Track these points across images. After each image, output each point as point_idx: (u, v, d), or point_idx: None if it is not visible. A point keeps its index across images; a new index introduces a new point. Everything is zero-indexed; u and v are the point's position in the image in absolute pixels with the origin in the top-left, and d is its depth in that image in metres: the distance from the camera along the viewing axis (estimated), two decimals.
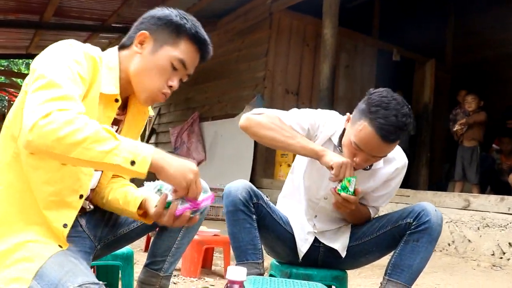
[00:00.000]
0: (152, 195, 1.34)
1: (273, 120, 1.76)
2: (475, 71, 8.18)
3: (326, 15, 5.48)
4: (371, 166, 1.82)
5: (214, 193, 1.30)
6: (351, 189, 1.68)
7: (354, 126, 1.69)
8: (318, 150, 1.71)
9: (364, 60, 7.64)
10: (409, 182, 7.24)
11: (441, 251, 4.27)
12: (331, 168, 1.68)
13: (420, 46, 7.86)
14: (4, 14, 7.18)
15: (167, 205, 1.23)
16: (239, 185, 1.78)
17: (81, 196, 1.30)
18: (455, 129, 5.82)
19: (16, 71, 16.65)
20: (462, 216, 4.25)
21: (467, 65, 8.41)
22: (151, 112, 1.53)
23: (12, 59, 15.85)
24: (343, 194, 1.69)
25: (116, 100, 1.32)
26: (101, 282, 1.13)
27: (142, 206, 1.37)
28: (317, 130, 1.83)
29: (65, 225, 1.26)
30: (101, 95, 1.27)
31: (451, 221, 4.29)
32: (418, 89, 7.91)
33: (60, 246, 1.24)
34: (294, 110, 1.88)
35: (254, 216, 1.77)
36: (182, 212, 1.22)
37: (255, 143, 6.58)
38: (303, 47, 7.14)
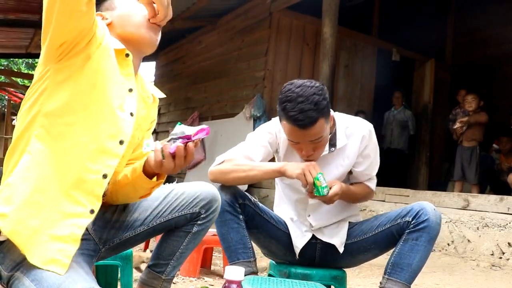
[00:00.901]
0: (151, 154, 1.34)
1: (232, 162, 1.82)
2: (475, 70, 8.18)
3: (326, 14, 5.48)
4: (334, 146, 1.86)
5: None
6: (324, 184, 1.70)
7: (282, 127, 1.77)
8: (278, 169, 1.76)
9: (363, 59, 7.64)
10: (409, 181, 7.25)
11: (440, 251, 4.27)
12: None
13: (420, 44, 7.87)
14: (4, 13, 7.18)
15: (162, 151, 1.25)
16: (224, 187, 1.81)
17: (121, 142, 1.28)
18: (455, 127, 5.81)
19: (16, 70, 16.65)
20: (462, 216, 4.25)
21: (467, 63, 8.41)
22: (162, 95, 1.53)
23: (12, 59, 15.86)
24: (318, 197, 1.72)
25: (127, 55, 1.34)
26: None
27: (146, 168, 1.36)
28: (277, 139, 1.90)
29: (104, 176, 1.25)
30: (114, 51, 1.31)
31: (450, 221, 4.29)
32: (418, 88, 7.91)
33: (92, 212, 1.23)
34: (250, 135, 1.94)
35: (241, 216, 1.80)
36: (175, 149, 1.23)
37: None
38: (303, 47, 7.14)
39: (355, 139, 1.87)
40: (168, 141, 1.25)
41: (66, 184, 1.20)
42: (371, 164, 1.92)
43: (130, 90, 1.33)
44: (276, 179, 2.01)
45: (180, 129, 1.26)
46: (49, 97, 1.21)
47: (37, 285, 1.12)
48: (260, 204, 1.90)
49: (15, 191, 1.17)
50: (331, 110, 1.77)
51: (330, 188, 1.73)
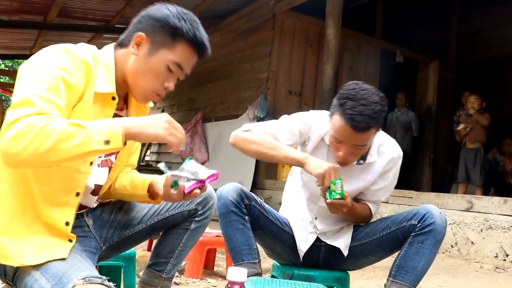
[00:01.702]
0: (157, 178, 1.42)
1: (258, 134, 1.80)
2: (479, 71, 8.16)
3: (329, 15, 5.48)
4: (364, 159, 1.84)
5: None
6: (338, 191, 1.68)
7: (331, 121, 1.74)
8: (300, 159, 1.73)
9: (367, 60, 7.62)
10: (412, 183, 7.23)
11: (444, 253, 4.26)
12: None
13: (424, 45, 7.85)
14: (8, 14, 7.21)
15: (173, 184, 1.32)
16: (230, 187, 1.80)
17: (77, 194, 1.31)
18: (459, 128, 5.80)
19: None
20: (465, 218, 4.23)
21: (471, 64, 8.39)
22: (150, 104, 1.53)
23: (16, 60, 15.91)
24: (328, 200, 1.70)
25: (113, 98, 1.32)
26: (104, 277, 1.16)
27: (150, 189, 1.44)
28: (309, 132, 1.86)
29: (67, 223, 1.27)
30: (97, 94, 1.27)
31: (454, 222, 4.28)
32: (421, 90, 7.89)
33: (70, 240, 1.27)
34: (284, 117, 1.91)
35: (246, 217, 1.79)
36: (191, 190, 1.30)
37: None
38: (306, 48, 7.14)
39: (384, 158, 1.86)
40: (180, 176, 1.31)
41: (38, 218, 1.24)
42: (384, 187, 1.90)
43: None
44: (296, 172, 1.99)
45: (192, 167, 1.32)
46: None
47: (43, 273, 1.17)
48: (266, 205, 1.90)
49: None
50: None
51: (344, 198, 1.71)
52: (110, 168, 1.44)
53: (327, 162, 1.73)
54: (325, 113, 1.90)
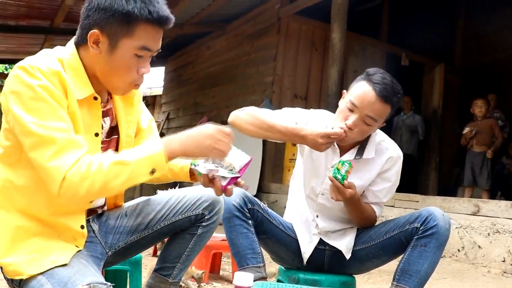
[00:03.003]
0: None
1: (255, 115, 1.83)
2: (485, 74, 8.13)
3: (335, 19, 5.48)
4: (361, 155, 1.84)
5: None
6: (343, 172, 1.70)
7: (351, 89, 1.80)
8: (296, 133, 1.75)
9: (372, 64, 7.58)
10: (418, 186, 7.20)
11: (450, 257, 4.23)
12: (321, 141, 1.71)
13: (429, 49, 7.83)
14: (15, 20, 7.27)
15: (199, 173, 1.34)
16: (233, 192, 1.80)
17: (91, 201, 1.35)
18: (464, 132, 5.78)
19: None
20: (472, 222, 4.21)
21: (477, 67, 8.36)
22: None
23: None
24: (329, 175, 1.72)
25: (95, 98, 1.29)
26: (108, 283, 1.17)
27: (190, 172, 1.50)
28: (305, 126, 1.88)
29: (82, 227, 1.32)
30: (78, 101, 1.24)
31: (460, 226, 4.25)
32: (427, 93, 7.87)
33: (77, 246, 1.30)
34: (285, 108, 1.94)
35: (250, 221, 1.80)
36: (225, 187, 1.33)
37: (264, 148, 6.59)
38: (312, 52, 7.14)
39: (382, 157, 1.87)
40: (216, 167, 1.31)
41: (48, 226, 1.27)
42: (385, 188, 1.89)
43: (96, 134, 1.31)
44: (296, 169, 2.00)
45: (230, 158, 1.31)
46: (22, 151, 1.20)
47: (48, 279, 1.18)
48: (269, 210, 1.90)
49: None
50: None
51: (345, 186, 1.72)
52: None
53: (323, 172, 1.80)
54: (324, 112, 1.95)
